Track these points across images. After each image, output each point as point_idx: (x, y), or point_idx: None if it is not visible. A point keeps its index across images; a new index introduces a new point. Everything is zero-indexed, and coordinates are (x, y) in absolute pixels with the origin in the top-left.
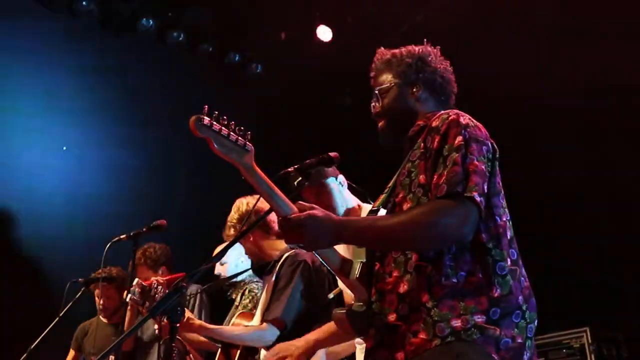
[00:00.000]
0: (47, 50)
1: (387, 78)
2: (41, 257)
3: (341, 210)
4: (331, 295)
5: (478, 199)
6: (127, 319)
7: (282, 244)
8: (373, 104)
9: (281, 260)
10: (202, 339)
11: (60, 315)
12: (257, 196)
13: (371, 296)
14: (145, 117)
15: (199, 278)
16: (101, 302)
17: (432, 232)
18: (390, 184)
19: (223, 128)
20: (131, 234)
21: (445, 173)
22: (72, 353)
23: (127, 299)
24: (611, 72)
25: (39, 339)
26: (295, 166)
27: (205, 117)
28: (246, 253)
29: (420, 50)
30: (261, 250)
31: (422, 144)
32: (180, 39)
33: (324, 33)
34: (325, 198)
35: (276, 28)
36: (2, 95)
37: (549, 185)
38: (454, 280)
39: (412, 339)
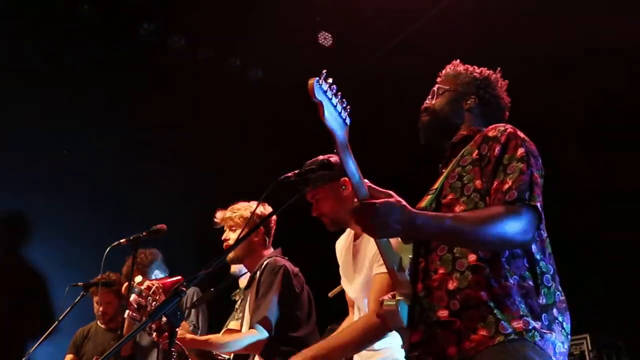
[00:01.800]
0: (46, 53)
1: (449, 83)
2: (41, 261)
3: (333, 208)
4: (331, 294)
5: (540, 209)
6: (125, 324)
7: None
8: (427, 99)
9: (262, 267)
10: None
11: (60, 319)
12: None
13: (418, 292)
14: (145, 122)
15: (199, 282)
16: (100, 308)
17: (503, 233)
18: (437, 185)
19: (334, 97)
20: (131, 238)
21: (509, 180)
22: (69, 357)
23: (126, 316)
24: None
25: (38, 342)
26: (295, 171)
27: (324, 81)
28: (230, 240)
29: (491, 74)
30: (252, 254)
31: (475, 151)
32: (181, 43)
33: (325, 38)
34: (323, 203)
35: (277, 33)
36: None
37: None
38: (510, 282)
39: (472, 336)
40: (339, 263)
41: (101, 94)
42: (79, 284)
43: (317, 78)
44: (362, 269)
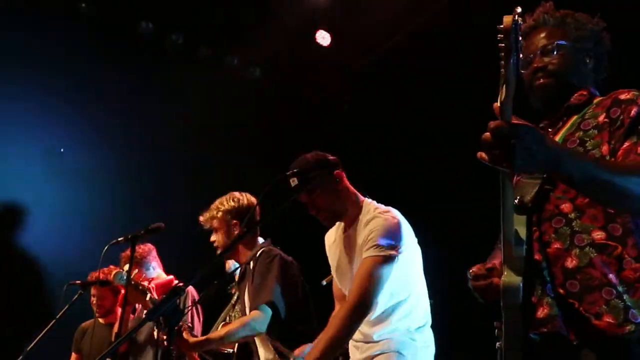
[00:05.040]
0: (45, 51)
1: (561, 35)
2: (39, 259)
3: (331, 204)
4: (324, 282)
5: None
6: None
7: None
8: (532, 55)
9: (256, 257)
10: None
11: (58, 317)
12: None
13: (538, 262)
14: (143, 120)
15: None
16: (95, 301)
17: None
18: None
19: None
20: (129, 236)
21: None
22: (73, 356)
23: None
24: None
25: (36, 340)
26: (294, 170)
27: (520, 22)
28: (216, 242)
29: (599, 25)
30: (238, 248)
31: (602, 115)
32: (179, 42)
33: (323, 38)
34: (320, 200)
35: (275, 32)
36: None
37: None
38: None
39: (594, 321)
40: (327, 256)
41: (100, 92)
42: (77, 282)
43: (515, 16)
44: (357, 257)
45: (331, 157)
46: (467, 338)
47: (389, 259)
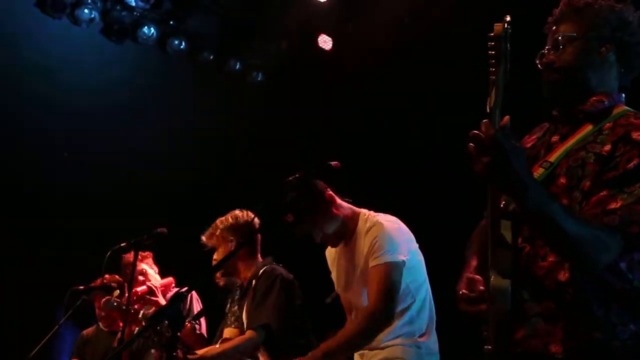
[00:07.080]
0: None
1: (574, 27)
2: (41, 263)
3: (332, 228)
4: (328, 300)
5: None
6: (127, 331)
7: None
8: (545, 51)
9: (258, 275)
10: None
11: (60, 323)
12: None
13: (520, 280)
14: (145, 126)
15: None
16: (102, 313)
17: (592, 259)
18: (553, 158)
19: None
20: (132, 241)
21: (620, 200)
22: None
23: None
24: None
25: (39, 346)
26: (296, 175)
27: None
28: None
29: (625, 8)
30: (236, 268)
31: (608, 145)
32: (182, 47)
33: (325, 42)
34: (320, 228)
35: (277, 37)
36: None
37: None
38: (628, 286)
39: (581, 335)
40: (330, 270)
41: (101, 99)
42: (80, 287)
43: (505, 24)
44: (360, 270)
45: (316, 183)
46: (455, 339)
47: (398, 264)
